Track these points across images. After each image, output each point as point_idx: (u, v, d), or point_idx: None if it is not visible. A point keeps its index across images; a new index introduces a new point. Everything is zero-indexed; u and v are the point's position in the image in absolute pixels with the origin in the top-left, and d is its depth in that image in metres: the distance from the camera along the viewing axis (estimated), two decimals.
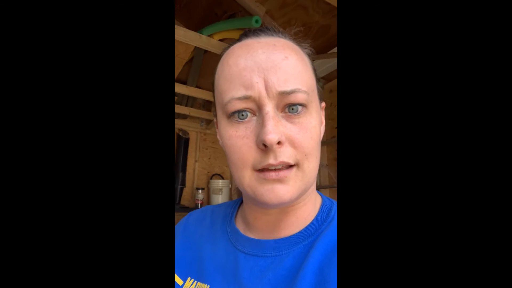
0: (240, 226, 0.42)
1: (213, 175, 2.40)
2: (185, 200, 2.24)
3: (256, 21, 1.25)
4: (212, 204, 0.55)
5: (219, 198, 2.20)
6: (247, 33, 0.37)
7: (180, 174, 2.14)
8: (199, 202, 2.17)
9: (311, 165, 0.32)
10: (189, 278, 0.40)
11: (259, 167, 0.31)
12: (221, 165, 2.49)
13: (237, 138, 0.32)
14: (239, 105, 0.31)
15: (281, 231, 0.37)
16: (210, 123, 2.36)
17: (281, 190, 0.31)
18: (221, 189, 2.22)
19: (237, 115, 0.32)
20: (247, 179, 0.32)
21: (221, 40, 1.36)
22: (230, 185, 2.34)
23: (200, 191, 2.19)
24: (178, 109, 2.19)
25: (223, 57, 0.36)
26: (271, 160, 0.30)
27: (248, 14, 1.62)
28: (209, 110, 2.26)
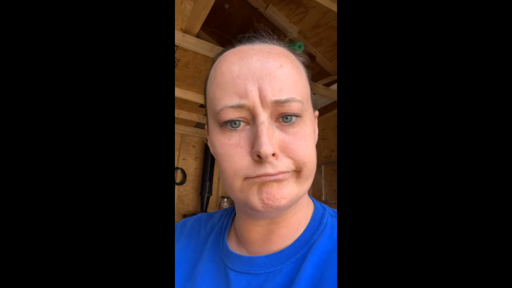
0: (232, 241, 0.40)
1: None
2: (211, 208, 2.31)
3: (299, 47, 1.32)
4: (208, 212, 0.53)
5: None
6: (241, 39, 0.36)
7: (208, 182, 2.22)
8: None
9: (308, 172, 0.32)
10: None
11: (253, 175, 0.30)
12: None
13: (230, 146, 0.31)
14: (232, 114, 0.30)
15: (272, 244, 0.36)
16: None
17: (276, 191, 0.30)
18: None
19: (229, 124, 0.31)
20: (238, 185, 0.31)
21: None
22: None
23: (225, 199, 2.25)
24: (203, 119, 2.28)
25: (216, 62, 0.35)
26: (269, 170, 0.30)
27: (281, 33, 1.70)
28: None
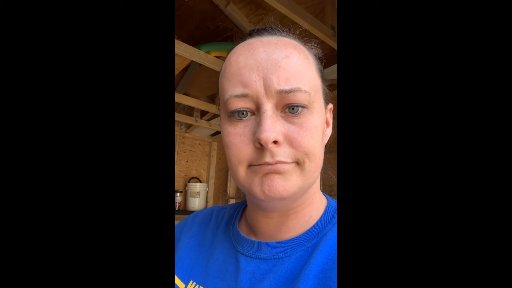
0: (243, 228, 0.41)
1: (191, 178, 2.45)
2: None
3: None
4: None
5: (196, 201, 2.27)
6: (251, 32, 0.36)
7: None
8: (177, 204, 2.22)
9: (313, 165, 0.31)
10: (191, 282, 0.39)
11: (255, 163, 0.31)
12: (198, 168, 2.55)
13: (235, 135, 0.32)
14: (237, 103, 0.31)
15: (282, 234, 0.36)
16: (190, 127, 2.41)
17: (278, 183, 0.30)
18: (198, 192, 2.29)
19: (237, 114, 0.32)
20: (243, 173, 0.32)
21: (217, 57, 1.45)
22: (207, 189, 2.41)
23: (178, 193, 2.23)
24: None
25: (228, 56, 0.36)
26: (268, 159, 0.30)
27: (240, 32, 1.72)
28: (189, 114, 2.31)
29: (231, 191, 2.29)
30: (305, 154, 0.31)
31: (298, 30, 0.37)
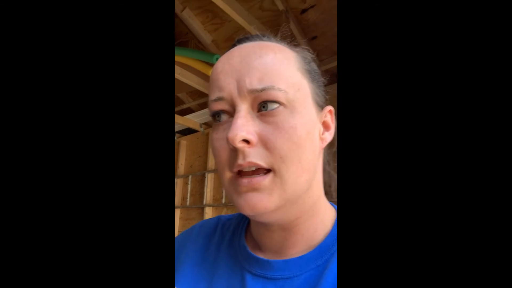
0: (249, 242, 0.39)
1: None
2: None
3: (217, 59, 1.35)
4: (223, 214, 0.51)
5: None
6: (235, 42, 0.36)
7: None
8: None
9: (291, 170, 0.29)
10: None
11: (234, 169, 0.30)
12: None
13: (217, 140, 0.31)
14: (214, 107, 0.31)
15: (288, 250, 0.34)
16: None
17: (254, 199, 0.29)
18: None
19: (215, 117, 0.32)
20: (227, 183, 0.31)
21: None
22: None
23: None
24: None
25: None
26: (240, 161, 0.29)
27: (195, 38, 1.70)
28: None
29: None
30: (280, 157, 0.29)
31: (284, 34, 0.37)
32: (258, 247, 0.37)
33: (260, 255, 0.36)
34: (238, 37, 0.37)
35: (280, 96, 0.29)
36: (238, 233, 0.41)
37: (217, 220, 0.47)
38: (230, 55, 0.33)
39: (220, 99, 0.31)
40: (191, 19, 1.60)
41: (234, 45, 0.36)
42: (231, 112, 0.31)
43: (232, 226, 0.44)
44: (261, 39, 0.35)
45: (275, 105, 0.29)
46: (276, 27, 0.38)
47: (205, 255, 0.41)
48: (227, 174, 0.31)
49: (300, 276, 0.32)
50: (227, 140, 0.28)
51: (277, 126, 0.29)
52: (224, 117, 0.31)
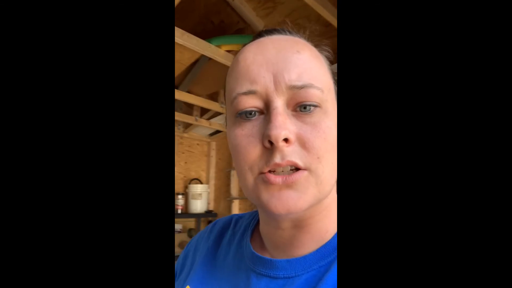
0: (256, 241, 0.39)
1: (192, 179, 2.36)
2: None
3: None
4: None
5: (198, 204, 2.19)
6: (261, 33, 0.35)
7: None
8: (179, 207, 2.13)
9: (326, 170, 0.29)
10: None
11: (266, 169, 0.28)
12: (197, 169, 2.47)
13: (243, 137, 0.29)
14: (245, 102, 0.29)
15: (294, 249, 0.33)
16: (188, 127, 2.32)
17: (290, 198, 0.28)
18: (200, 194, 2.21)
19: (244, 114, 0.30)
20: (252, 182, 0.30)
21: (228, 51, 1.39)
22: (208, 190, 2.34)
23: (179, 196, 2.14)
24: None
25: (236, 55, 0.34)
26: (277, 159, 0.27)
27: (248, 26, 1.66)
28: (188, 113, 2.23)
29: (234, 191, 2.22)
30: (318, 157, 0.28)
31: (308, 31, 0.36)
32: (264, 246, 0.38)
33: (265, 254, 0.36)
34: (285, 22, 0.36)
35: (318, 96, 0.29)
36: (246, 232, 0.41)
37: (230, 219, 0.47)
38: (261, 46, 0.31)
39: (252, 92, 0.29)
40: (242, 6, 1.56)
41: (259, 35, 0.35)
42: (262, 108, 0.30)
43: (243, 225, 0.44)
44: (291, 34, 0.34)
45: (313, 107, 0.29)
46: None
47: (217, 254, 0.42)
48: (255, 173, 0.29)
49: (301, 276, 0.31)
50: (269, 137, 0.27)
51: (315, 126, 0.29)
52: (256, 114, 0.30)
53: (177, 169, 2.32)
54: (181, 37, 1.23)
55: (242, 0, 1.56)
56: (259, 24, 1.63)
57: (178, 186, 2.30)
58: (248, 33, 1.61)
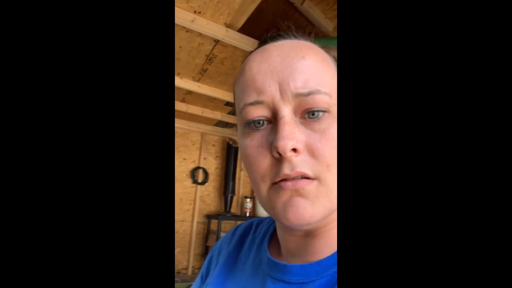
0: (273, 247, 0.39)
1: None
2: (233, 208, 2.27)
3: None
4: (259, 217, 0.52)
5: None
6: (265, 39, 0.34)
7: (231, 182, 2.17)
8: (247, 210, 2.19)
9: (336, 179, 0.28)
10: None
11: (276, 179, 0.28)
12: None
13: (252, 148, 0.29)
14: (252, 112, 0.29)
15: (308, 255, 0.33)
16: None
17: (304, 208, 0.27)
18: None
19: (253, 124, 0.30)
20: (265, 193, 0.30)
21: None
22: None
23: (248, 199, 2.21)
24: (225, 118, 2.22)
25: (242, 65, 0.34)
26: (287, 170, 0.27)
27: (317, 28, 1.66)
28: None
29: None
30: (327, 166, 0.28)
31: (313, 33, 0.35)
32: (281, 251, 0.37)
33: (281, 260, 0.36)
34: (290, 26, 0.35)
35: (325, 101, 0.28)
36: (265, 237, 0.41)
37: (250, 223, 0.47)
38: (266, 54, 0.31)
39: (258, 102, 0.29)
40: (311, 9, 1.56)
41: (264, 42, 0.34)
42: (270, 117, 0.29)
43: (262, 229, 0.44)
44: (296, 37, 0.33)
45: (321, 112, 0.28)
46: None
47: (238, 258, 0.42)
48: (267, 183, 0.29)
49: (316, 282, 0.31)
50: (276, 148, 0.27)
51: (324, 134, 0.28)
52: (264, 123, 0.30)
53: (245, 173, 2.40)
54: (253, 46, 1.29)
55: (310, 4, 1.56)
56: (328, 26, 1.60)
57: (246, 190, 2.38)
58: (319, 35, 1.60)
